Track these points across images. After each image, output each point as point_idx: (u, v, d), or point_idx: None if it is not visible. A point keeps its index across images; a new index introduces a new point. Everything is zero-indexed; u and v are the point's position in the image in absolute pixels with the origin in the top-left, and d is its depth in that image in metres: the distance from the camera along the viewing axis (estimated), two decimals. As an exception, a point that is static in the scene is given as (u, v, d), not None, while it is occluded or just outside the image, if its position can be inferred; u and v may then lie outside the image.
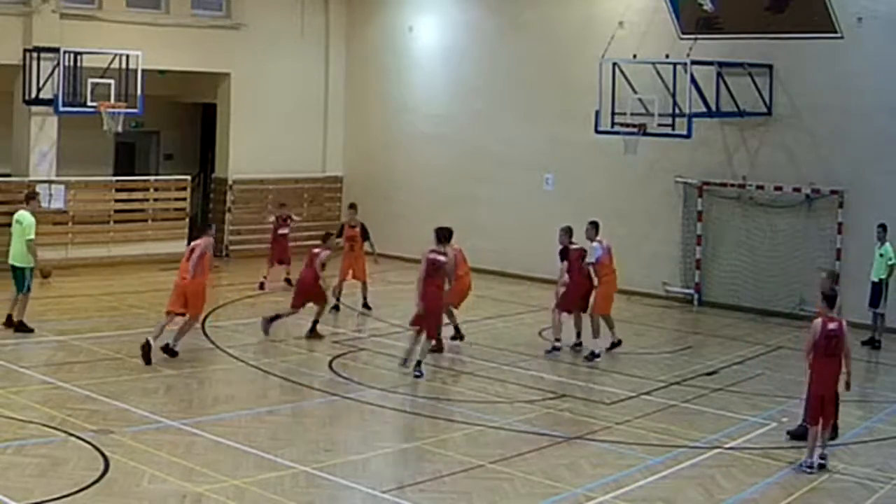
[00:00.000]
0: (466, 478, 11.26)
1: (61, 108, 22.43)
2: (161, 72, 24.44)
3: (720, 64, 20.85)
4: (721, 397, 14.97)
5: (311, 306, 17.66)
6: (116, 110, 22.49)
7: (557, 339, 17.15)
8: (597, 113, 20.37)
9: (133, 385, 14.21)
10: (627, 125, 20.08)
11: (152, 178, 26.76)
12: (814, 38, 20.71)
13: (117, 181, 25.53)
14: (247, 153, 26.51)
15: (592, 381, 15.81)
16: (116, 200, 24.88)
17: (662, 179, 22.56)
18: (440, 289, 15.72)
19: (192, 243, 16.34)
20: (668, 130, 19.82)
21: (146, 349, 15.34)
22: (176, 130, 29.04)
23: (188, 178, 26.32)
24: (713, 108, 20.63)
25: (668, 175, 22.48)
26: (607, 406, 14.41)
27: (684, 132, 19.63)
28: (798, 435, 12.60)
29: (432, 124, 26.50)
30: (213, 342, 16.95)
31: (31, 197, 17.76)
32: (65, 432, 11.89)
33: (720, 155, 22.07)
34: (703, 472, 11.70)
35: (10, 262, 16.98)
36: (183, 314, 15.87)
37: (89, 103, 22.22)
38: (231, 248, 26.37)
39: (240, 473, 10.96)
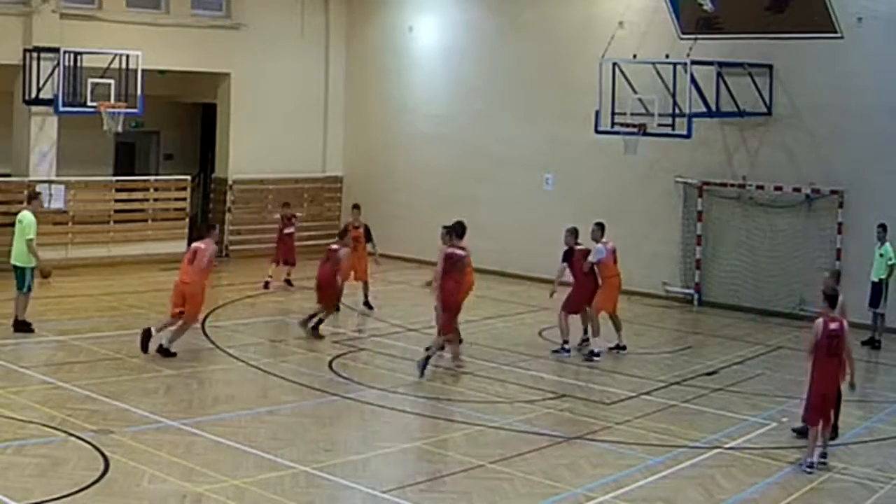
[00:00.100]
0: (466, 478, 11.26)
1: (61, 108, 22.43)
2: (161, 72, 24.44)
3: (720, 64, 20.85)
4: (721, 397, 14.97)
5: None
6: (116, 110, 22.49)
7: (566, 341, 17.16)
8: (597, 113, 20.37)
9: (133, 385, 14.22)
10: (627, 125, 20.08)
11: (152, 178, 26.76)
12: (814, 38, 20.71)
13: (117, 181, 25.53)
14: (247, 153, 26.51)
15: (592, 381, 15.81)
16: (116, 200, 24.88)
17: (662, 179, 22.56)
18: (458, 283, 15.83)
19: (195, 245, 16.33)
20: (668, 130, 19.81)
21: (146, 336, 15.61)
22: (176, 130, 29.04)
23: (188, 178, 26.33)
24: (713, 108, 20.63)
25: (668, 175, 22.49)
26: (607, 406, 14.41)
27: (684, 132, 19.63)
28: (803, 432, 12.60)
29: (432, 124, 26.50)
30: (213, 342, 16.95)
31: (33, 197, 17.77)
32: (65, 432, 11.89)
33: (720, 155, 22.07)
34: (703, 472, 11.70)
35: (12, 261, 17.00)
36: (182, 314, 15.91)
37: (89, 103, 22.22)
38: (231, 248, 26.37)
39: (240, 473, 10.96)
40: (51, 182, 23.12)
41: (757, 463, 12.15)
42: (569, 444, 12.60)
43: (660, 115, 19.69)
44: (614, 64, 20.18)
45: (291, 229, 22.67)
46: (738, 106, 21.00)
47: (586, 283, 17.17)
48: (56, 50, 22.28)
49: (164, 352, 15.71)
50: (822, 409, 12.03)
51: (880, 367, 17.88)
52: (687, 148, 21.21)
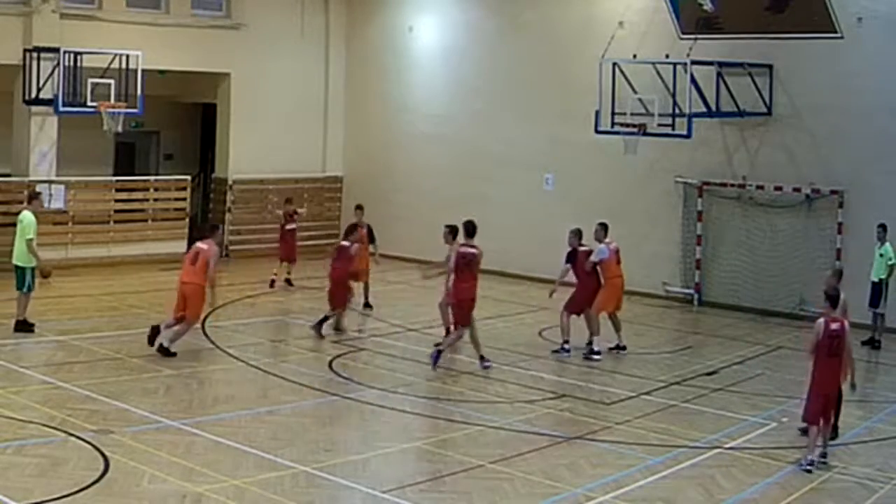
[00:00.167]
0: (466, 478, 11.26)
1: (61, 108, 22.43)
2: (161, 72, 24.44)
3: (720, 64, 20.85)
4: (721, 397, 14.97)
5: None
6: (116, 110, 22.49)
7: (566, 341, 17.17)
8: (597, 113, 20.38)
9: (133, 385, 14.22)
10: (627, 125, 20.09)
11: (152, 178, 26.77)
12: (814, 38, 20.72)
13: (117, 181, 25.54)
14: (247, 153, 26.51)
15: (592, 381, 15.81)
16: (116, 200, 24.88)
17: (662, 179, 22.56)
18: (473, 280, 15.90)
19: (197, 245, 16.33)
20: (668, 130, 19.82)
21: (154, 332, 15.86)
22: (176, 130, 29.05)
23: (188, 178, 26.33)
24: (713, 108, 20.64)
25: (668, 175, 22.49)
26: (607, 406, 14.41)
27: (684, 132, 19.63)
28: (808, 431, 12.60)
29: (432, 124, 26.50)
30: (213, 342, 16.95)
31: (34, 197, 17.78)
32: (65, 432, 11.89)
33: (720, 155, 22.07)
34: (703, 472, 11.70)
35: (13, 261, 17.01)
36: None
37: (89, 103, 22.23)
38: (231, 248, 26.36)
39: (240, 473, 10.96)
40: (51, 182, 23.12)
41: (757, 463, 12.15)
42: (569, 444, 12.60)
43: (660, 115, 19.69)
44: (614, 64, 20.18)
45: (293, 225, 22.76)
46: (738, 106, 21.01)
47: (589, 283, 17.18)
48: (56, 50, 22.28)
49: (165, 351, 15.73)
50: (824, 408, 12.04)
51: (880, 367, 17.88)
52: (687, 148, 21.21)
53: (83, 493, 10.09)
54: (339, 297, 17.99)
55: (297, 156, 27.46)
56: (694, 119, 19.68)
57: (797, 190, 20.95)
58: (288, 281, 22.55)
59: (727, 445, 12.72)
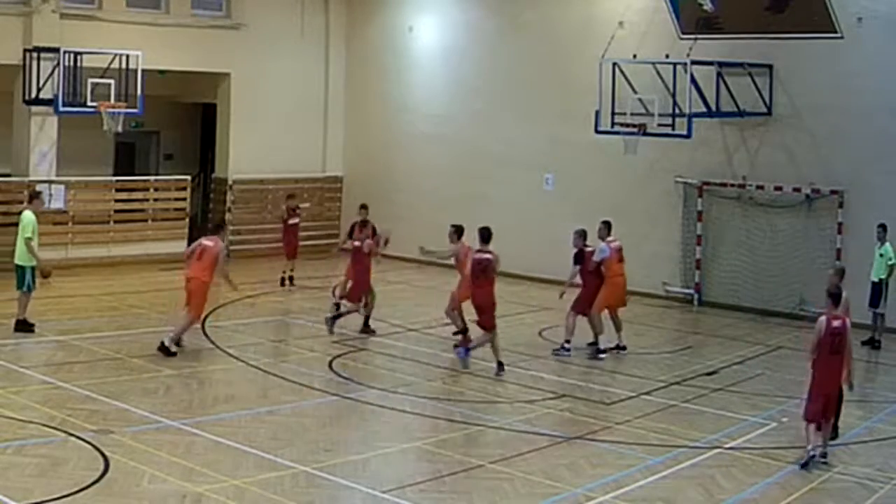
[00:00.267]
0: (466, 478, 11.26)
1: (61, 108, 22.43)
2: (161, 72, 24.44)
3: (720, 64, 20.84)
4: (721, 397, 14.97)
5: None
6: (116, 110, 22.49)
7: (567, 341, 17.20)
8: (597, 113, 20.37)
9: (133, 385, 14.22)
10: (627, 125, 20.08)
11: (152, 178, 26.77)
12: (814, 38, 20.71)
13: (117, 181, 25.54)
14: (247, 153, 26.52)
15: (592, 381, 15.81)
16: (116, 200, 24.88)
17: (662, 179, 22.56)
18: (490, 286, 15.97)
19: (203, 243, 16.41)
20: (668, 130, 19.82)
21: (163, 344, 15.97)
22: (176, 130, 29.06)
23: (188, 178, 26.33)
24: (713, 108, 20.63)
25: (668, 175, 22.49)
26: (607, 406, 14.42)
27: (684, 132, 19.63)
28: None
29: (432, 124, 26.50)
30: (213, 342, 16.95)
31: (34, 196, 17.77)
32: (65, 432, 11.89)
33: (720, 155, 22.07)
34: (703, 472, 11.70)
35: (15, 261, 17.03)
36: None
37: (89, 103, 22.23)
38: (231, 248, 26.30)
39: (240, 473, 10.96)
40: (51, 182, 23.12)
41: (757, 463, 12.15)
42: (569, 444, 12.60)
43: (660, 115, 19.69)
44: (614, 64, 20.18)
45: (296, 220, 22.80)
46: (738, 106, 21.00)
47: (593, 282, 17.21)
48: (56, 50, 22.28)
49: (165, 350, 15.73)
50: (824, 406, 12.06)
51: (880, 367, 17.88)
52: (687, 148, 21.21)
53: (83, 493, 10.09)
54: (356, 293, 18.19)
55: (297, 156, 27.46)
56: (694, 119, 19.67)
57: (797, 190, 20.95)
58: (290, 279, 22.59)
59: (727, 445, 12.72)
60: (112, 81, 22.37)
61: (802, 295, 20.54)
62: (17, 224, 17.36)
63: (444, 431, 13.02)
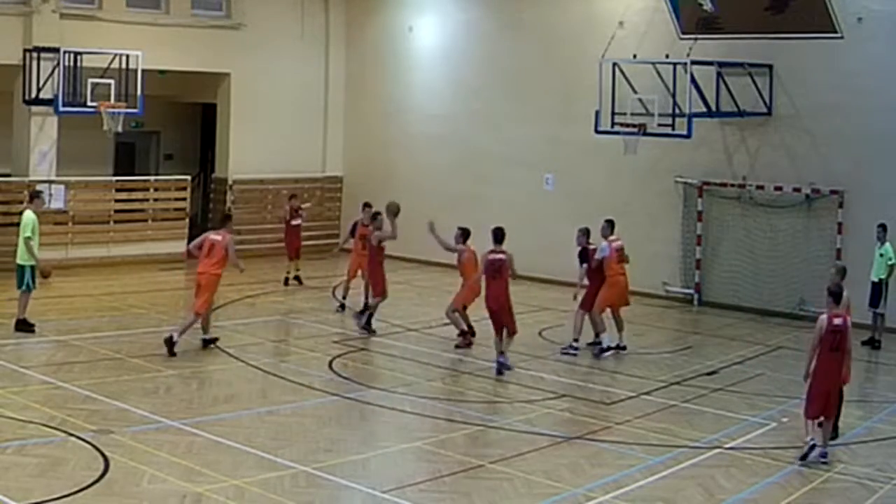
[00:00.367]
0: (466, 478, 11.26)
1: (61, 108, 22.43)
2: (161, 72, 24.45)
3: (720, 64, 20.85)
4: (721, 397, 14.97)
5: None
6: (116, 110, 22.50)
7: (575, 340, 17.26)
8: (597, 113, 20.38)
9: (133, 385, 14.22)
10: (627, 125, 20.09)
11: (152, 178, 26.79)
12: (814, 38, 20.71)
13: (117, 181, 25.54)
14: (247, 153, 26.52)
15: (592, 381, 15.81)
16: (116, 200, 24.89)
17: (662, 179, 22.56)
18: (505, 286, 16.07)
19: (211, 238, 16.61)
20: (668, 130, 19.82)
21: (205, 342, 16.35)
22: (176, 130, 29.07)
23: (188, 178, 26.33)
24: (713, 108, 20.63)
25: (668, 175, 22.49)
26: (607, 406, 14.41)
27: (684, 132, 19.64)
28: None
29: (432, 124, 26.50)
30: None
31: (35, 196, 17.77)
32: (65, 432, 11.89)
33: (720, 155, 22.07)
34: (703, 472, 11.70)
35: (16, 260, 17.05)
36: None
37: (89, 103, 22.24)
38: (231, 247, 26.35)
39: (240, 473, 10.96)
40: (51, 182, 23.12)
41: (757, 463, 12.15)
42: (569, 444, 12.60)
43: (660, 115, 19.70)
44: (614, 64, 20.19)
45: (299, 220, 22.87)
46: (738, 106, 21.00)
47: (595, 280, 17.25)
48: (56, 50, 22.28)
49: (169, 343, 15.81)
50: (825, 404, 12.10)
51: (880, 367, 17.88)
52: (687, 148, 21.21)
53: (83, 493, 10.09)
54: (378, 287, 18.46)
55: (297, 156, 27.47)
56: (694, 119, 19.67)
57: (797, 190, 20.95)
58: (297, 279, 22.66)
59: (727, 445, 12.71)
60: (112, 81, 22.38)
61: (802, 295, 20.54)
62: (17, 224, 17.39)
63: (444, 431, 13.01)
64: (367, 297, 20.30)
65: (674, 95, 19.58)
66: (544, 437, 12.80)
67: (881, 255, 18.49)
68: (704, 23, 21.67)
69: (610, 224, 17.49)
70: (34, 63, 22.53)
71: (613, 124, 20.25)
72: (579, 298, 17.37)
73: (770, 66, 21.21)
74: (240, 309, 20.01)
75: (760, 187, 21.39)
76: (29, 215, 16.95)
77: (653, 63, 20.17)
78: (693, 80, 19.68)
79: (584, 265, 17.38)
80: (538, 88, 24.56)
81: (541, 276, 22.62)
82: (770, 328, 20.13)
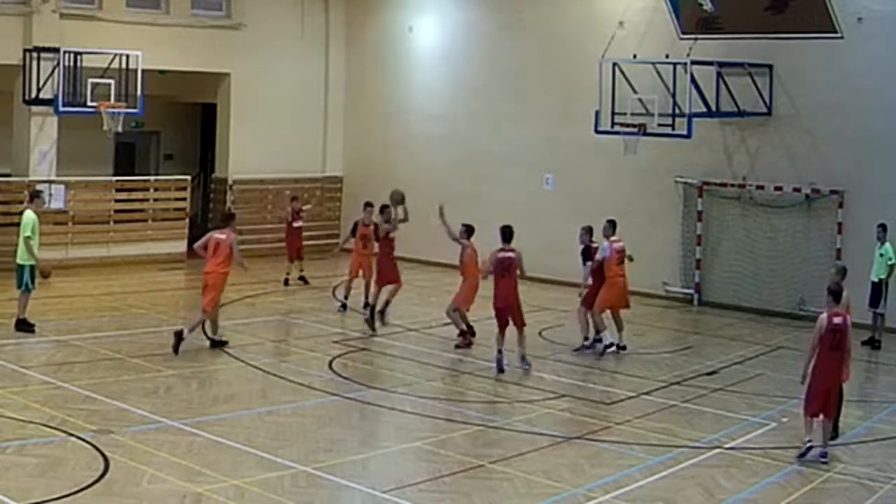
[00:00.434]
0: (466, 478, 11.26)
1: (61, 108, 22.43)
2: (161, 72, 24.45)
3: (720, 64, 20.84)
4: (721, 397, 14.97)
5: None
6: (116, 110, 22.50)
7: (586, 338, 17.33)
8: (597, 113, 20.38)
9: (133, 385, 14.22)
10: (627, 125, 20.10)
11: (152, 178, 26.79)
12: (814, 38, 20.71)
13: (117, 181, 25.54)
14: (247, 153, 26.52)
15: (592, 381, 15.81)
16: (116, 200, 24.89)
17: (662, 179, 22.56)
18: (514, 284, 16.16)
19: (215, 237, 16.66)
20: (668, 130, 19.82)
21: (213, 343, 16.43)
22: (176, 130, 29.07)
23: (188, 178, 26.33)
24: (713, 108, 20.63)
25: (668, 175, 22.49)
26: (607, 406, 14.41)
27: (684, 132, 19.64)
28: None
29: (432, 124, 26.50)
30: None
31: (35, 196, 17.78)
32: (65, 432, 11.89)
33: (720, 155, 22.07)
34: (703, 472, 11.70)
35: (17, 260, 17.06)
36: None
37: (89, 103, 22.24)
38: (231, 247, 26.35)
39: (240, 473, 10.96)
40: (51, 182, 23.12)
41: (757, 463, 12.15)
42: (569, 444, 12.60)
43: (660, 115, 19.70)
44: (614, 64, 20.19)
45: (300, 223, 22.91)
46: (738, 106, 21.00)
47: (596, 279, 17.28)
48: (56, 50, 22.28)
49: (178, 336, 15.97)
50: (824, 402, 12.12)
51: (880, 367, 17.88)
52: (687, 148, 21.21)
53: (83, 493, 10.09)
54: (392, 275, 18.83)
55: (297, 156, 27.47)
56: (694, 119, 19.67)
57: (797, 190, 20.95)
58: (302, 279, 22.69)
59: (727, 445, 12.71)
60: (112, 81, 22.39)
61: (802, 295, 20.53)
62: (17, 224, 17.40)
63: (444, 431, 13.01)
64: (367, 297, 20.33)
65: (674, 95, 19.58)
66: (544, 437, 12.80)
67: (881, 255, 18.49)
68: (704, 23, 21.67)
69: (612, 224, 17.50)
70: (34, 63, 22.53)
71: (613, 124, 20.25)
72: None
73: (770, 66, 21.21)
74: (240, 309, 20.01)
75: (760, 187, 21.39)
76: (29, 215, 16.96)
77: (653, 63, 20.17)
78: (693, 80, 19.68)
79: (588, 263, 17.40)
80: (538, 88, 24.56)
81: (541, 276, 22.58)
82: (770, 328, 20.13)
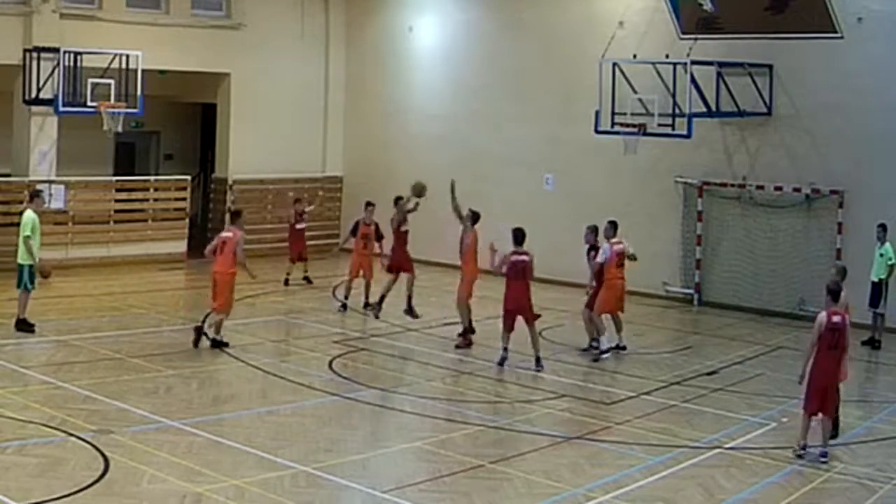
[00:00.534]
0: (466, 478, 11.26)
1: (61, 108, 22.43)
2: (161, 72, 24.45)
3: (720, 64, 20.84)
4: (721, 397, 14.97)
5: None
6: (116, 110, 22.50)
7: (593, 338, 17.31)
8: (597, 113, 20.38)
9: (133, 385, 14.22)
10: (627, 125, 20.09)
11: (152, 178, 26.79)
12: (814, 38, 20.71)
13: (117, 181, 25.54)
14: (247, 153, 26.52)
15: (592, 381, 15.81)
16: (116, 200, 24.88)
17: (662, 179, 22.56)
18: (528, 287, 16.27)
19: (222, 235, 16.83)
20: (668, 130, 19.81)
21: (210, 339, 16.44)
22: (176, 130, 29.08)
23: (188, 178, 26.33)
24: (713, 108, 20.63)
25: (668, 175, 22.48)
26: (607, 406, 14.41)
27: (684, 132, 19.63)
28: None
29: (432, 124, 26.49)
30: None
31: (35, 196, 17.78)
32: (65, 432, 11.89)
33: (720, 155, 22.06)
34: (703, 472, 11.70)
35: (17, 260, 17.07)
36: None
37: (89, 103, 22.23)
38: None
39: (240, 473, 10.96)
40: (51, 182, 23.11)
41: (757, 463, 12.15)
42: (569, 444, 12.60)
43: (660, 115, 19.69)
44: (614, 64, 20.19)
45: (303, 224, 22.95)
46: (738, 106, 21.00)
47: (598, 280, 17.28)
48: (56, 50, 22.28)
49: (198, 331, 16.23)
50: (822, 400, 12.14)
51: (880, 367, 17.88)
52: (687, 148, 21.20)
53: (83, 493, 10.09)
54: (405, 264, 19.17)
55: (297, 156, 27.46)
56: (694, 119, 19.67)
57: (797, 190, 20.95)
58: (306, 279, 22.69)
59: (727, 445, 12.71)
60: (112, 81, 22.38)
61: (802, 295, 20.53)
62: (18, 224, 17.40)
63: (444, 431, 13.01)
64: (367, 297, 20.36)
65: (674, 95, 19.58)
66: (544, 437, 12.80)
67: (881, 255, 18.49)
68: (704, 23, 21.67)
69: (613, 226, 17.42)
70: (34, 63, 22.53)
71: (613, 124, 20.24)
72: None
73: (770, 66, 21.21)
74: (240, 309, 19.90)
75: (760, 187, 21.39)
76: (29, 215, 16.97)
77: (653, 63, 20.17)
78: (693, 80, 19.67)
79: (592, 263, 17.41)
80: (538, 88, 24.56)
81: (541, 276, 22.42)
82: (770, 328, 20.13)
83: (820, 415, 12.26)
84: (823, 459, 12.01)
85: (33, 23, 22.85)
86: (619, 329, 17.59)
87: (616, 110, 20.09)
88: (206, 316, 17.09)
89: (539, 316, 16.54)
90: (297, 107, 27.41)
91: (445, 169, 25.90)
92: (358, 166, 28.04)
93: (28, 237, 16.75)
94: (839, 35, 20.38)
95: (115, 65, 22.54)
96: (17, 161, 23.60)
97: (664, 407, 14.38)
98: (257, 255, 24.87)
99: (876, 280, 18.48)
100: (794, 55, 20.98)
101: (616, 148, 21.13)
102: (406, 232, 19.30)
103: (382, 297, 19.17)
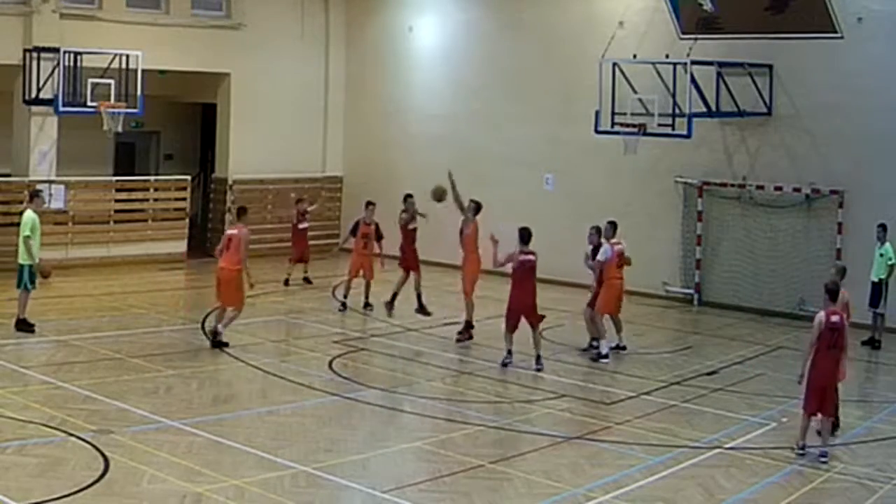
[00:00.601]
0: (466, 478, 11.26)
1: (61, 108, 22.42)
2: (161, 72, 24.44)
3: (720, 64, 20.84)
4: (721, 397, 14.97)
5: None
6: (116, 110, 22.49)
7: (597, 340, 17.29)
8: (597, 113, 20.38)
9: (133, 385, 14.22)
10: (627, 125, 20.09)
11: (152, 178, 26.78)
12: (814, 38, 20.71)
13: (117, 181, 25.53)
14: (247, 153, 26.51)
15: (592, 381, 15.81)
16: (116, 200, 24.87)
17: (662, 179, 22.56)
18: (534, 287, 16.31)
19: (228, 233, 16.89)
20: (668, 130, 19.81)
21: (213, 343, 16.41)
22: (176, 130, 29.07)
23: (188, 178, 26.32)
24: (713, 108, 20.63)
25: (668, 175, 22.48)
26: (607, 406, 14.42)
27: (684, 132, 19.63)
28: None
29: (432, 124, 26.49)
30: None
31: (35, 195, 17.78)
32: (65, 432, 11.89)
33: (720, 155, 22.06)
34: (703, 472, 11.70)
35: (18, 260, 17.08)
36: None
37: (89, 103, 22.22)
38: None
39: (240, 473, 10.96)
40: (51, 182, 23.11)
41: (757, 463, 12.15)
42: (569, 444, 12.60)
43: (660, 115, 19.69)
44: (614, 64, 20.19)
45: (305, 224, 22.97)
46: (738, 106, 21.00)
47: (599, 281, 17.28)
48: (56, 50, 22.27)
49: (213, 333, 16.29)
50: (821, 399, 12.16)
51: (880, 367, 17.88)
52: (687, 148, 21.20)
53: (83, 493, 10.09)
54: (411, 263, 19.48)
55: (297, 156, 27.46)
56: (694, 119, 19.67)
57: (797, 190, 20.95)
58: (306, 279, 22.69)
59: (727, 445, 12.72)
60: (112, 81, 22.37)
61: (802, 295, 20.53)
62: (18, 224, 17.41)
63: (444, 431, 13.01)
64: (367, 297, 20.36)
65: (674, 95, 19.58)
66: (544, 437, 12.81)
67: (881, 255, 18.49)
68: (704, 23, 21.67)
69: (613, 226, 17.42)
70: (34, 63, 22.52)
71: (613, 124, 20.24)
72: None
73: (770, 66, 21.21)
74: (240, 309, 19.99)
75: (760, 187, 21.39)
76: (29, 214, 16.97)
77: (653, 63, 20.17)
78: (693, 80, 19.67)
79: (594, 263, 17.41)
80: (538, 88, 24.56)
81: (541, 276, 22.48)
82: (770, 328, 20.13)
83: (819, 415, 12.27)
84: (823, 459, 12.02)
85: (33, 23, 22.85)
86: (618, 329, 17.59)
87: (616, 110, 20.08)
88: (207, 315, 17.06)
89: (543, 317, 16.54)
90: (297, 107, 27.40)
91: (445, 169, 25.94)
92: (358, 166, 28.04)
93: (28, 237, 16.75)
94: (839, 35, 20.38)
95: (115, 65, 22.53)
96: (17, 161, 23.60)
97: (664, 407, 14.38)
98: (257, 255, 24.87)
99: (876, 280, 18.48)
100: (794, 55, 20.98)
101: (616, 148, 21.13)
102: (414, 230, 19.51)
103: (394, 295, 19.36)
